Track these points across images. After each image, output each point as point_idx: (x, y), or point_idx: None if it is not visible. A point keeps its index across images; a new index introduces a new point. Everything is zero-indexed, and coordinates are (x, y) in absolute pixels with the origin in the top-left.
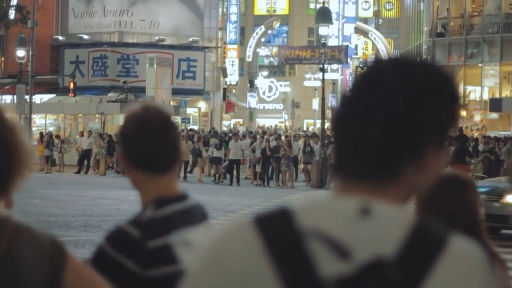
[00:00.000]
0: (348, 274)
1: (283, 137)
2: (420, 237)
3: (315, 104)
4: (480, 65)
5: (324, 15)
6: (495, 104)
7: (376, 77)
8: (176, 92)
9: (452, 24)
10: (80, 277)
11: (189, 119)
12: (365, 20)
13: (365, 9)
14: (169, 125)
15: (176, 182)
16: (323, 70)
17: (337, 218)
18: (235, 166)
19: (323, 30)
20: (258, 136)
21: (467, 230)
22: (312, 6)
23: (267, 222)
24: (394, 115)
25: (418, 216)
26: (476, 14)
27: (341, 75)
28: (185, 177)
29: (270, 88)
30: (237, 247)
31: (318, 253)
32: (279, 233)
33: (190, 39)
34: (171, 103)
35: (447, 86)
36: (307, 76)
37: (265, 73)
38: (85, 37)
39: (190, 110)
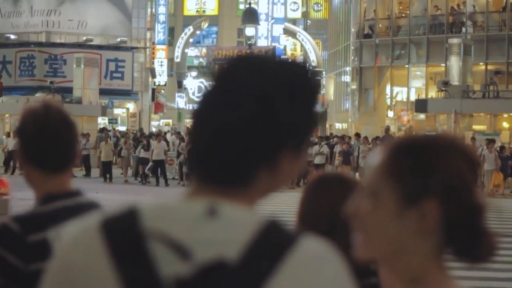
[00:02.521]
0: (187, 275)
1: None
2: (267, 239)
3: None
4: (406, 66)
5: (250, 16)
6: (420, 105)
7: (233, 76)
8: (104, 92)
9: (379, 25)
10: None
11: (116, 119)
12: (294, 21)
13: (294, 10)
14: (67, 124)
15: (70, 180)
16: None
17: (182, 220)
18: (159, 167)
19: (249, 30)
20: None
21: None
22: (241, 7)
23: (111, 224)
24: (248, 118)
25: (267, 218)
26: (403, 15)
27: None
28: (110, 178)
29: (200, 89)
30: (81, 251)
31: (158, 254)
32: (121, 234)
33: (118, 40)
34: (99, 104)
35: (304, 88)
36: None
37: (194, 73)
38: (12, 37)
39: (118, 111)
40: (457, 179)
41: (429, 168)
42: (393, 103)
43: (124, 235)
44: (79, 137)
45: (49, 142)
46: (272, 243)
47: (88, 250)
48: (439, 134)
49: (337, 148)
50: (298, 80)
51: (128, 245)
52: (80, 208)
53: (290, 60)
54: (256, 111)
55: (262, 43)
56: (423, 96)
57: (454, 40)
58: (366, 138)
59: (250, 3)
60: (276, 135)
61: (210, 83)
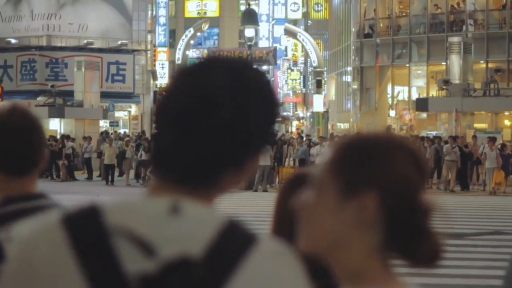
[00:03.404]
0: (152, 272)
1: None
2: (229, 237)
3: None
4: (407, 65)
5: (250, 17)
6: (421, 104)
7: (199, 76)
8: (105, 95)
9: (379, 25)
10: None
11: (117, 122)
12: (295, 22)
13: (294, 11)
14: (31, 128)
15: (34, 183)
16: None
17: (145, 216)
18: None
19: (249, 31)
20: None
21: None
22: (242, 8)
23: (73, 220)
24: (217, 122)
25: (227, 216)
26: (403, 15)
27: (272, 77)
28: (112, 182)
29: None
30: (43, 247)
31: (123, 251)
32: (84, 230)
33: (119, 42)
34: (100, 107)
35: (268, 90)
36: None
37: None
38: (13, 41)
39: (120, 114)
40: (400, 177)
41: (372, 163)
42: (395, 102)
43: (87, 230)
44: (46, 141)
45: (10, 145)
46: (234, 241)
47: (50, 246)
48: (389, 135)
49: None
50: (262, 82)
51: (92, 240)
52: (39, 210)
53: (250, 62)
54: (225, 114)
55: (264, 44)
56: (424, 95)
57: (454, 39)
58: None
59: (249, 4)
60: (245, 139)
61: (175, 80)
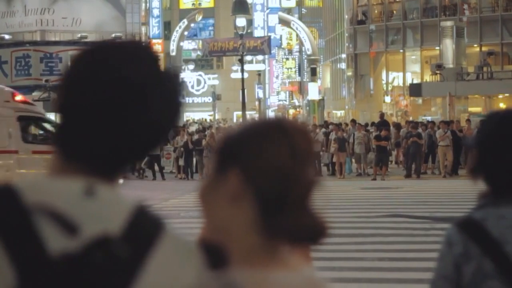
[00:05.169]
0: (75, 250)
1: (208, 131)
2: (142, 218)
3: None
4: (401, 51)
5: (241, 7)
6: (414, 89)
7: (98, 62)
8: None
9: (372, 11)
10: None
11: None
12: (289, 10)
13: None
14: None
15: None
16: (242, 62)
17: (63, 196)
18: (155, 161)
19: (240, 21)
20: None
21: None
22: None
23: None
24: (132, 110)
25: (136, 199)
26: (396, 0)
27: (267, 66)
28: None
29: (199, 82)
30: None
31: (45, 229)
32: (4, 210)
33: (113, 35)
34: None
35: (172, 78)
36: (234, 68)
37: (191, 66)
38: (7, 37)
39: None
40: (267, 155)
41: (240, 142)
42: (390, 88)
43: (8, 210)
44: None
45: None
46: (146, 222)
47: None
48: (271, 118)
49: (333, 135)
50: (165, 70)
51: (13, 219)
52: None
53: (151, 46)
54: (139, 102)
55: (259, 33)
56: (419, 81)
57: (447, 23)
58: (360, 124)
59: None
60: (155, 127)
61: (76, 64)
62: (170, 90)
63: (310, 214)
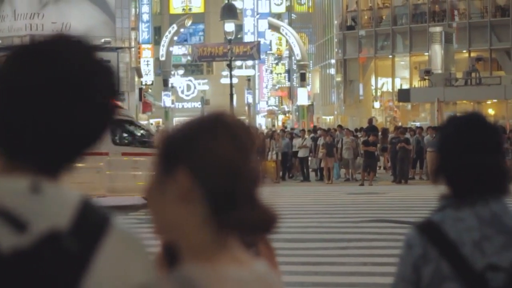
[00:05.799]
0: (25, 246)
1: None
2: (89, 213)
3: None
4: (390, 56)
5: (229, 12)
6: (403, 95)
7: (49, 57)
8: None
9: (362, 17)
10: None
11: None
12: (279, 16)
13: (278, 5)
14: None
15: None
16: (230, 67)
17: (9, 194)
18: None
19: (228, 26)
20: None
21: None
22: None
23: None
24: (73, 104)
25: (82, 195)
26: (385, 6)
27: (257, 71)
28: None
29: (189, 87)
30: None
31: None
32: None
33: (103, 40)
34: None
35: (106, 73)
36: (224, 73)
37: (181, 71)
38: None
39: None
40: (212, 150)
41: (184, 140)
42: (379, 94)
43: None
44: None
45: None
46: (93, 218)
47: None
48: (211, 113)
49: (321, 141)
50: (99, 64)
51: None
52: None
53: (83, 41)
54: (67, 100)
55: (249, 38)
56: (408, 86)
57: (436, 29)
58: (348, 130)
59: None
60: (89, 124)
61: (15, 61)
62: (104, 83)
63: (260, 206)
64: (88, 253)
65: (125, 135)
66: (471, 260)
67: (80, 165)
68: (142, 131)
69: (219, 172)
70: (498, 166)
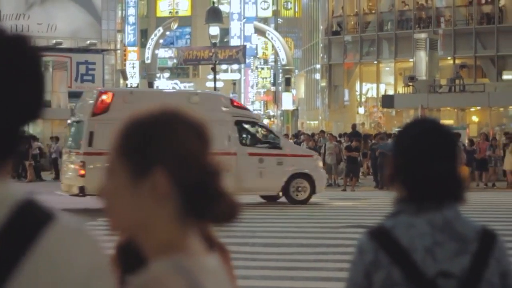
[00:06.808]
0: None
1: None
2: (24, 214)
3: None
4: (375, 62)
5: (214, 15)
6: (387, 101)
7: None
8: (75, 95)
9: (347, 22)
10: None
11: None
12: (265, 20)
13: (264, 9)
14: None
15: None
16: (214, 71)
17: None
18: None
19: (213, 30)
20: None
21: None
22: None
23: None
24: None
25: (24, 193)
26: (371, 12)
27: (243, 75)
28: None
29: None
30: None
31: None
32: None
33: (88, 42)
34: (68, 107)
35: (32, 62)
36: (210, 77)
37: (167, 74)
38: None
39: None
40: (182, 147)
41: (152, 141)
42: (364, 99)
43: None
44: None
45: None
46: (29, 218)
47: None
48: (164, 110)
49: (303, 146)
50: (25, 53)
51: None
52: None
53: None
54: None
55: (235, 42)
56: (392, 92)
57: (421, 35)
58: (332, 135)
59: (213, 2)
60: (15, 117)
61: None
62: (31, 72)
63: (226, 197)
64: (16, 259)
65: (251, 136)
66: (423, 267)
67: None
68: (266, 132)
69: (191, 168)
70: (453, 173)
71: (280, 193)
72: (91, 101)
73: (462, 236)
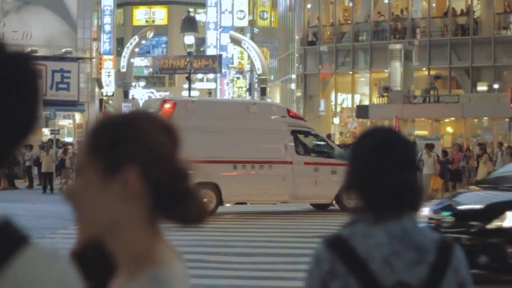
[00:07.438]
0: None
1: None
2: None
3: None
4: (350, 72)
5: (189, 24)
6: (361, 111)
7: None
8: (50, 103)
9: (323, 32)
10: None
11: (58, 130)
12: (241, 30)
13: (240, 19)
14: None
15: None
16: (189, 80)
17: None
18: None
19: (188, 39)
20: None
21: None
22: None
23: None
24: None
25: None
26: (347, 22)
27: (219, 85)
28: (51, 190)
29: (150, 99)
30: None
31: None
32: None
33: (64, 50)
34: (43, 115)
35: (27, 78)
36: (185, 86)
37: (142, 83)
38: None
39: (65, 122)
40: (154, 147)
41: (125, 139)
42: (339, 110)
43: None
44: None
45: None
46: (3, 240)
47: None
48: (136, 111)
49: None
50: (21, 67)
51: None
52: None
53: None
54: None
55: (211, 52)
56: (368, 103)
57: (396, 46)
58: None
59: (188, 12)
60: (9, 131)
61: None
62: (26, 88)
63: (195, 199)
64: None
65: (306, 145)
66: (380, 277)
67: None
68: (321, 142)
69: (162, 167)
70: (412, 183)
71: (334, 201)
72: (153, 110)
73: (420, 246)
